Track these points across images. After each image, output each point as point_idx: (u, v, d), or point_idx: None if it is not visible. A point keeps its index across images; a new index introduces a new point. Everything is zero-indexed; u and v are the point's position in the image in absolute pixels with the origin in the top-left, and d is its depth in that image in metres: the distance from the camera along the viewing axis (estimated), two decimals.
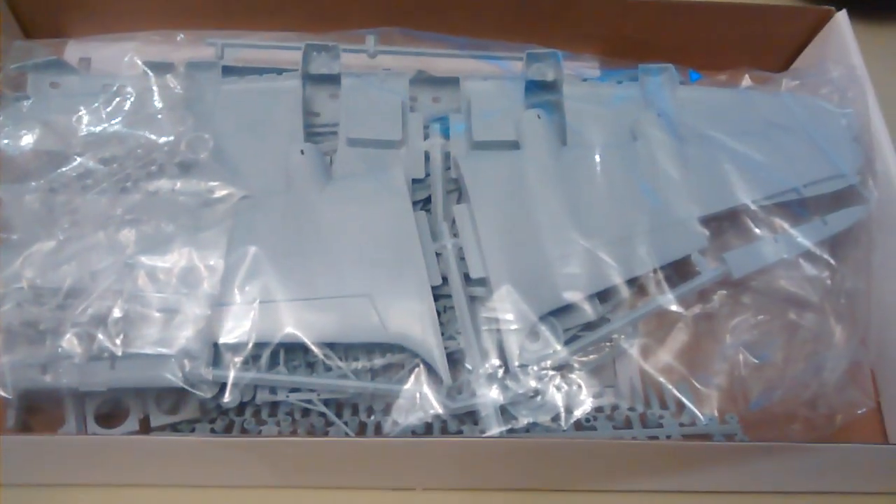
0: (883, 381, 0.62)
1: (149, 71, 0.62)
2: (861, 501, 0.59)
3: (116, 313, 0.52)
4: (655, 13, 0.72)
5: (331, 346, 0.54)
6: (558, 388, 0.53)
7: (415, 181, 0.61)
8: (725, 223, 0.61)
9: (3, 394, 0.50)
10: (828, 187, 0.62)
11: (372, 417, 0.55)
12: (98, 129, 0.59)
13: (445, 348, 0.53)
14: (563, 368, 0.54)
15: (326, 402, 0.54)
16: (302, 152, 0.58)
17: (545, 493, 0.59)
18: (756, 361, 0.58)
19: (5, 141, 0.58)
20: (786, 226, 0.60)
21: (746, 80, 0.69)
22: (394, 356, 0.55)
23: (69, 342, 0.51)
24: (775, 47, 0.76)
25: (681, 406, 0.56)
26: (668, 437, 0.54)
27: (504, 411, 0.53)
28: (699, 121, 0.64)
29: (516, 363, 0.53)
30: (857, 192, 0.62)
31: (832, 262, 0.60)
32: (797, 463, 0.54)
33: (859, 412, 0.57)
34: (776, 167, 0.62)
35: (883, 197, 0.62)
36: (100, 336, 0.51)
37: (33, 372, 0.51)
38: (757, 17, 0.73)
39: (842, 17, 0.71)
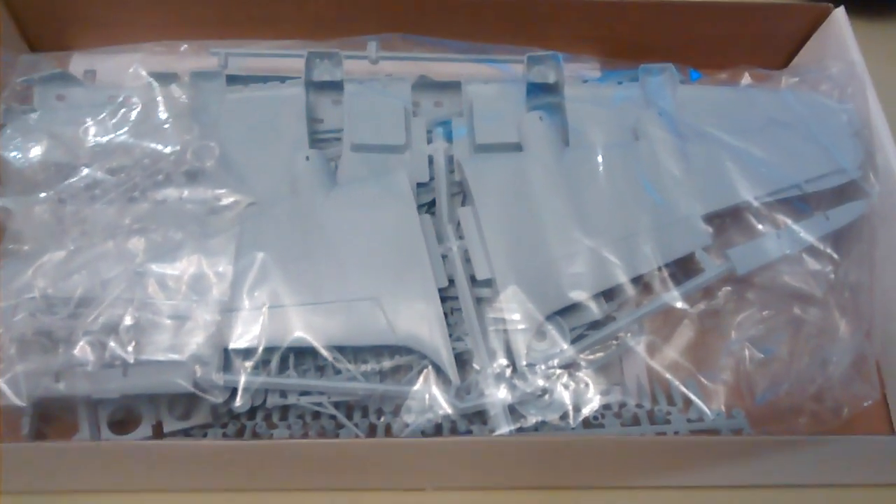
0: (888, 372, 0.62)
1: (153, 81, 0.62)
2: (869, 493, 0.59)
3: (128, 321, 0.52)
4: (654, 13, 0.72)
5: (340, 349, 0.54)
6: (566, 387, 0.54)
7: (419, 185, 0.61)
8: (728, 220, 0.61)
9: (17, 402, 0.51)
10: (829, 182, 0.62)
11: (382, 419, 0.55)
12: (104, 139, 0.60)
13: (453, 349, 0.54)
14: (570, 367, 0.55)
15: (336, 405, 0.55)
16: (307, 158, 0.59)
17: (555, 492, 0.59)
18: (762, 356, 0.58)
19: (14, 153, 0.59)
20: (788, 222, 0.60)
21: (746, 78, 0.69)
22: (402, 358, 0.55)
23: (82, 350, 0.52)
24: (774, 45, 0.76)
25: (688, 402, 0.56)
26: (676, 433, 0.54)
27: (512, 410, 0.53)
28: (700, 119, 0.64)
29: (524, 362, 0.54)
30: (859, 186, 0.62)
31: (835, 256, 0.60)
32: (805, 456, 0.55)
33: (865, 404, 0.57)
34: (778, 163, 0.62)
35: (884, 191, 0.62)
36: (112, 344, 0.52)
37: (47, 380, 0.51)
38: (755, 16, 0.73)
39: (840, 13, 0.71)
